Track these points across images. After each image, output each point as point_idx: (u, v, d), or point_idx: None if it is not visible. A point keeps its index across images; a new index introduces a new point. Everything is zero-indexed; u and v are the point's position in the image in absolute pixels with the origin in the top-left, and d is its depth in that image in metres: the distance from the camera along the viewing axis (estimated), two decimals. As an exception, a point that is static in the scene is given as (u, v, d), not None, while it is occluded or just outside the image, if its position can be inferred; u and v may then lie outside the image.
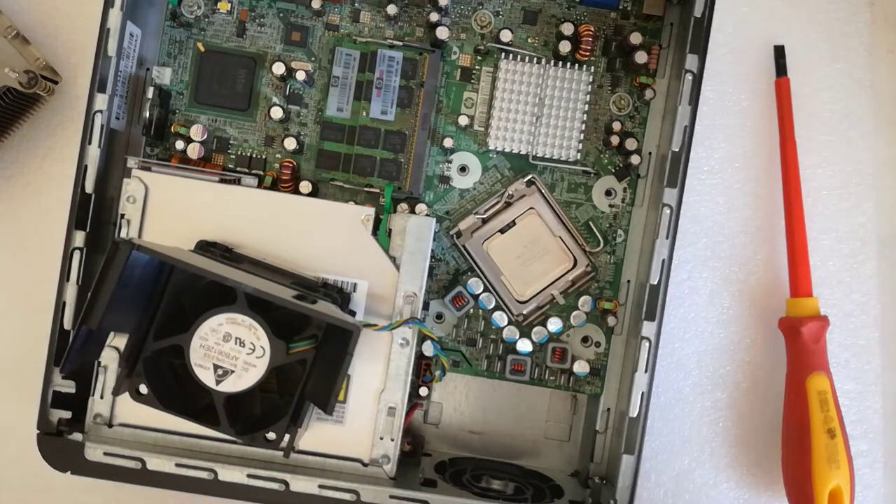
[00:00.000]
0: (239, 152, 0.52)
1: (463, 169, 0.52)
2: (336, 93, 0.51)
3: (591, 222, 0.52)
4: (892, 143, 0.54)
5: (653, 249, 0.47)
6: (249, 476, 0.46)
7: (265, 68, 0.51)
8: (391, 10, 0.50)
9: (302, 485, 0.46)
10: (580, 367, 0.51)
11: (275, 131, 0.52)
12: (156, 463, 0.46)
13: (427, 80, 0.50)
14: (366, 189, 0.51)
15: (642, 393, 0.47)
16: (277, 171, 0.51)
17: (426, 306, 0.50)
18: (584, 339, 0.52)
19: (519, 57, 0.51)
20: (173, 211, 0.46)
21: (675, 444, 0.53)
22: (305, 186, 0.50)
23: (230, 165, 0.52)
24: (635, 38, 0.50)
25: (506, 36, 0.51)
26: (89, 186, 0.47)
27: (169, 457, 0.46)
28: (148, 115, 0.49)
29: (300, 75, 0.50)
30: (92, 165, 0.47)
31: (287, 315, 0.42)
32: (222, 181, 0.48)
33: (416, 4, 0.51)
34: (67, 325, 0.46)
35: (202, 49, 0.51)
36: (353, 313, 0.46)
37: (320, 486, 0.46)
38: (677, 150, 0.47)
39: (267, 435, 0.42)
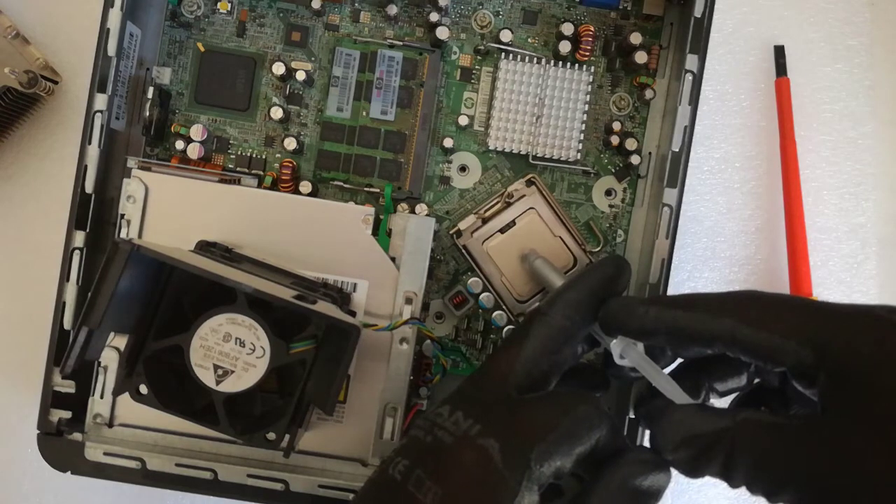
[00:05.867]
0: (239, 152, 0.52)
1: (463, 169, 0.52)
2: (336, 93, 0.51)
3: (591, 222, 0.52)
4: (892, 143, 0.54)
5: (653, 249, 0.47)
6: (249, 476, 0.46)
7: (265, 68, 0.51)
8: (391, 10, 0.50)
9: (302, 485, 0.46)
10: (580, 367, 0.51)
11: (275, 131, 0.52)
12: (156, 463, 0.46)
13: (427, 80, 0.50)
14: (366, 189, 0.51)
15: (642, 393, 0.47)
16: (277, 171, 0.51)
17: (426, 306, 0.50)
18: (584, 339, 0.52)
19: (519, 57, 0.51)
20: (173, 211, 0.46)
21: (675, 444, 0.53)
22: (305, 186, 0.50)
23: (230, 165, 0.52)
24: (635, 38, 0.50)
25: (506, 36, 0.51)
26: (89, 186, 0.47)
27: (169, 457, 0.46)
28: (148, 115, 0.49)
29: (300, 75, 0.50)
30: (92, 165, 0.47)
31: (287, 315, 0.42)
32: (222, 181, 0.48)
33: (416, 4, 0.51)
34: (67, 325, 0.47)
35: (202, 49, 0.51)
36: (353, 313, 0.46)
37: (320, 486, 0.46)
38: (677, 150, 0.47)
39: (267, 435, 0.42)
